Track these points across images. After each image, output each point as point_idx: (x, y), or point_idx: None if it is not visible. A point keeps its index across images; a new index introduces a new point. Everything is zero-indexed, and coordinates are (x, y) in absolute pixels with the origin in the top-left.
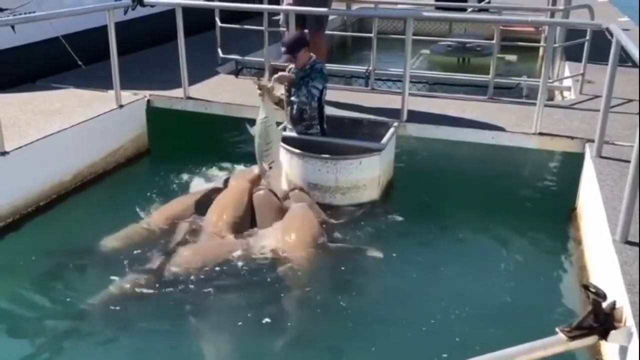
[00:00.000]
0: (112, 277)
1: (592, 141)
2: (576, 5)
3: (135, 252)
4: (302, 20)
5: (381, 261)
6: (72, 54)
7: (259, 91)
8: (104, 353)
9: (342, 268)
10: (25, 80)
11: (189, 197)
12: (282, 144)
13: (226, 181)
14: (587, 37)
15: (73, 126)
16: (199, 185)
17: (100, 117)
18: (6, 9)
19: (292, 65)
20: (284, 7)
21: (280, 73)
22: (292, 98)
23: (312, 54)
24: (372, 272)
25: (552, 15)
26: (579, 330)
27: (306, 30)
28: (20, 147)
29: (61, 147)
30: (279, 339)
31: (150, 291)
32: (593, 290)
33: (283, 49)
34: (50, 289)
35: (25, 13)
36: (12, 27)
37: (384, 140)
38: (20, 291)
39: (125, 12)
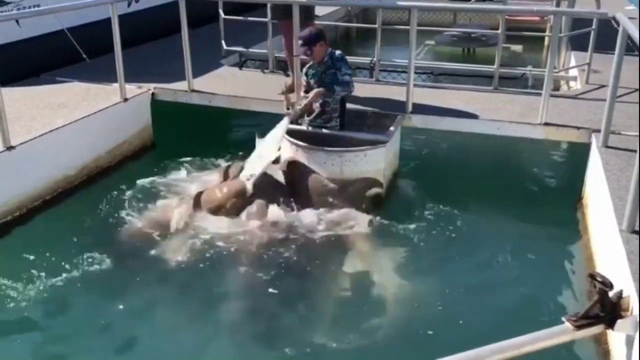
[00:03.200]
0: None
1: (599, 131)
2: None
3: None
4: (288, 12)
5: (386, 253)
6: (77, 47)
7: (287, 110)
8: (123, 337)
9: (348, 259)
10: (29, 74)
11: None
12: (287, 136)
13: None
14: (593, 26)
15: (78, 120)
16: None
17: (105, 111)
18: (10, 2)
19: (309, 65)
20: None
21: (315, 91)
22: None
23: (327, 49)
24: (378, 264)
25: (558, 5)
26: (586, 320)
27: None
28: (26, 142)
29: (67, 141)
30: (278, 324)
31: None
32: (599, 279)
33: (300, 41)
34: (58, 283)
35: (30, 6)
36: (17, 20)
37: (389, 132)
38: (28, 283)
39: (129, 5)
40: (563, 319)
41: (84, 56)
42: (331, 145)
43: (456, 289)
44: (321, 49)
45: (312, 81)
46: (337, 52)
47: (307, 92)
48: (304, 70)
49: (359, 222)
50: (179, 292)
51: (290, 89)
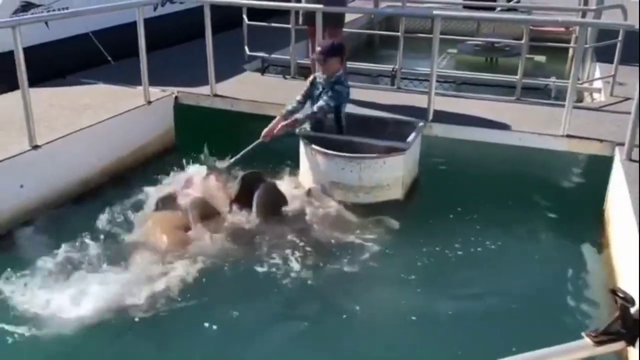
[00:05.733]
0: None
1: (622, 144)
2: (608, 5)
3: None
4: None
5: (404, 260)
6: (102, 50)
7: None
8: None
9: (364, 266)
10: (55, 75)
11: None
12: (305, 141)
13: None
14: (619, 38)
15: (102, 121)
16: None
17: (128, 113)
18: (40, 5)
19: (318, 74)
20: (310, 5)
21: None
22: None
23: (342, 69)
24: (395, 271)
25: (584, 16)
26: (606, 336)
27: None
28: (51, 142)
29: (90, 142)
30: (290, 333)
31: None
32: (621, 295)
33: (318, 48)
34: (77, 280)
35: (59, 9)
36: (46, 22)
37: (409, 139)
38: (48, 279)
39: (155, 9)
40: (583, 334)
41: (109, 59)
42: (350, 151)
43: (473, 300)
44: (335, 64)
45: (316, 91)
46: (340, 87)
47: (303, 98)
48: (312, 76)
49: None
50: (197, 291)
51: None
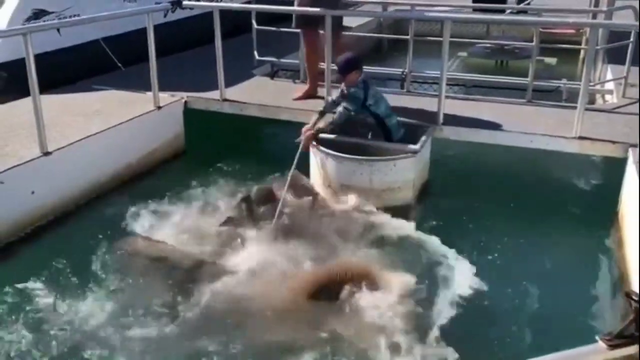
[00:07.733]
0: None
1: (635, 146)
2: (620, 6)
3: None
4: (315, 21)
5: (414, 264)
6: (112, 56)
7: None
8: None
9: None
10: (66, 81)
11: None
12: (315, 144)
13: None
14: (631, 39)
15: (112, 127)
16: None
17: (138, 118)
18: (53, 12)
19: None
20: (317, 9)
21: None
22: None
23: (359, 76)
24: (406, 275)
25: (594, 17)
26: (620, 339)
27: (322, 32)
28: (62, 148)
29: (101, 147)
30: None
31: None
32: (635, 298)
33: (334, 67)
34: (86, 285)
35: (70, 16)
36: (58, 29)
37: (420, 142)
38: (56, 286)
39: (165, 15)
40: (597, 337)
41: (119, 65)
42: (361, 154)
43: (484, 304)
44: (353, 76)
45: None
46: (354, 90)
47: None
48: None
49: None
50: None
51: (307, 96)
